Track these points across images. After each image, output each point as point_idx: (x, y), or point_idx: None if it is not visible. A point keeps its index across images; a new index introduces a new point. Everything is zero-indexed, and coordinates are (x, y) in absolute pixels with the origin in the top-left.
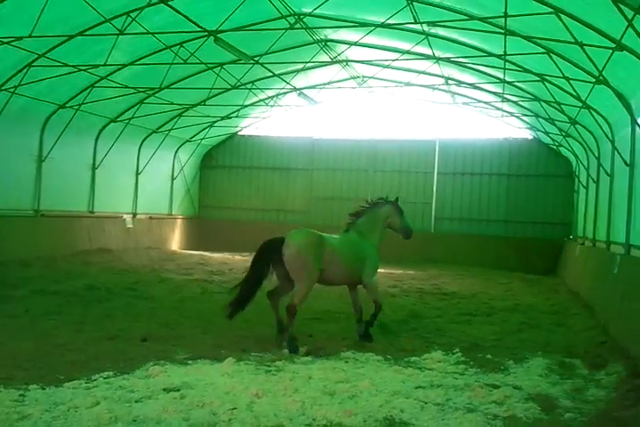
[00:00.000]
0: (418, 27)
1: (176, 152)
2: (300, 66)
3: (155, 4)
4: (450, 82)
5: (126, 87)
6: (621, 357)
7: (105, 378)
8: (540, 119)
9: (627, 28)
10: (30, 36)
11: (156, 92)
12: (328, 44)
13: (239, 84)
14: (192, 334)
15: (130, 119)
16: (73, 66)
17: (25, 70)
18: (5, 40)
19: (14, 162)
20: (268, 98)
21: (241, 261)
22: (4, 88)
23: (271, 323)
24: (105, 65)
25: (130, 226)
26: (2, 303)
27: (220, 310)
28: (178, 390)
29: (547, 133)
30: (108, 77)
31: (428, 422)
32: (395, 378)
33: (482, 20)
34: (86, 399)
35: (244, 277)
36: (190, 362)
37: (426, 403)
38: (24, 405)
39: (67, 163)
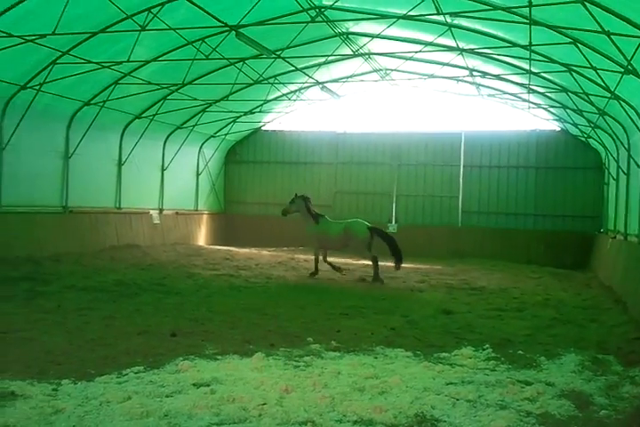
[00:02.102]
0: (440, 18)
1: (200, 148)
2: (322, 59)
3: None
4: (474, 73)
5: (150, 83)
6: None
7: (135, 373)
8: (567, 110)
9: None
10: (54, 34)
11: (180, 88)
12: (350, 36)
13: (261, 78)
14: (220, 330)
15: (154, 115)
16: (97, 63)
17: (49, 68)
18: (29, 38)
19: (41, 159)
20: (291, 92)
21: (267, 256)
22: (29, 86)
23: (299, 319)
24: (128, 61)
25: (157, 222)
26: (35, 299)
27: (247, 305)
28: (208, 386)
29: (575, 125)
30: (132, 74)
31: (459, 419)
32: (425, 374)
33: (505, 9)
34: (118, 394)
35: (392, 248)
36: (219, 357)
37: (457, 400)
38: (57, 399)
39: (93, 159)
